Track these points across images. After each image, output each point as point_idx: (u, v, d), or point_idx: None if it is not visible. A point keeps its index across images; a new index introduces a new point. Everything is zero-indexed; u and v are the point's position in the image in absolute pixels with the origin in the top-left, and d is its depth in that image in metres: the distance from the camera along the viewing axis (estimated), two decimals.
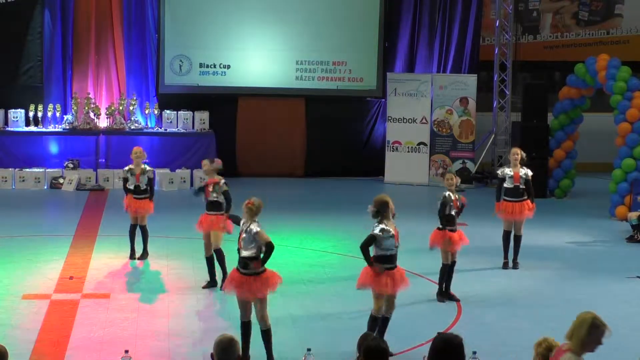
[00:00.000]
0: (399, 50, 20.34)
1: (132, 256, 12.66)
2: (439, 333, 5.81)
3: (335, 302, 11.03)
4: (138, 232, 12.63)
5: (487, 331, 9.78)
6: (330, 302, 11.05)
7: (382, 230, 9.02)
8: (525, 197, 12.52)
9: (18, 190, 17.93)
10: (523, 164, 12.66)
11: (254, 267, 8.66)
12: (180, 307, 10.56)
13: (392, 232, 9.09)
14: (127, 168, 12.66)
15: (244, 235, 8.69)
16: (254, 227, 8.64)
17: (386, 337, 6.14)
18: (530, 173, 12.58)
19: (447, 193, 11.21)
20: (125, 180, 12.62)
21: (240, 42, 19.59)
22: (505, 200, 12.61)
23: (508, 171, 12.65)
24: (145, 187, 12.55)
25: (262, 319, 8.77)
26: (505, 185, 12.64)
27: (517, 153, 12.70)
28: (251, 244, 8.64)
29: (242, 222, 8.83)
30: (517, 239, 12.70)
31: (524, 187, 12.52)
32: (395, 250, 9.16)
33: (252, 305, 8.79)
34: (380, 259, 9.07)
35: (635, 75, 16.86)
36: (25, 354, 8.91)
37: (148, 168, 12.70)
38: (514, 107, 20.12)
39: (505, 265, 12.68)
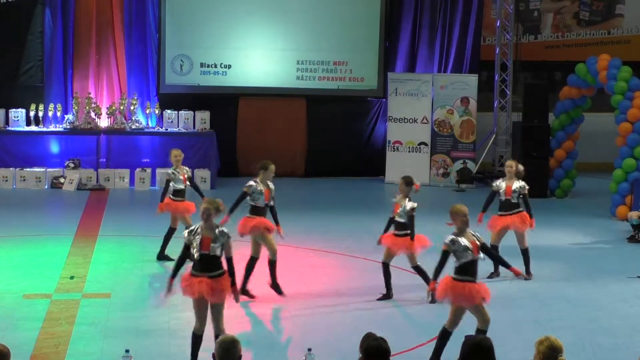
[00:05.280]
0: (400, 50, 20.33)
1: (161, 257, 12.65)
2: (466, 336, 5.82)
3: (335, 302, 11.03)
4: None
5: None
6: (331, 301, 11.05)
7: (451, 241, 8.71)
8: (520, 209, 12.04)
9: (19, 190, 17.93)
10: (519, 177, 12.20)
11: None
12: (181, 307, 10.54)
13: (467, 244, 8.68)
14: (171, 171, 12.67)
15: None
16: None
17: (386, 336, 6.13)
18: (526, 187, 12.06)
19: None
20: (168, 182, 12.60)
21: (241, 42, 19.59)
22: (499, 215, 12.14)
23: (502, 185, 12.18)
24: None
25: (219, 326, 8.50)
26: (499, 198, 12.20)
27: (512, 166, 12.20)
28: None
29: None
30: (524, 252, 12.18)
31: (516, 201, 12.04)
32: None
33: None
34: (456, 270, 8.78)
35: (636, 75, 16.84)
36: (26, 353, 8.92)
37: (188, 169, 12.90)
38: (514, 107, 20.12)
39: (491, 275, 12.10)
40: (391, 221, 11.01)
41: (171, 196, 12.69)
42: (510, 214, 12.06)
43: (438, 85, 19.65)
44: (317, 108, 20.21)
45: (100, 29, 19.35)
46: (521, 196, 12.10)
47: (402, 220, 10.90)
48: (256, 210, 11.03)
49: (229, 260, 8.52)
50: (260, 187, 11.01)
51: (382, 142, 20.24)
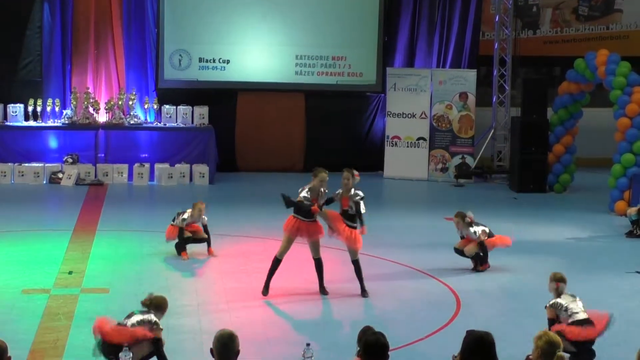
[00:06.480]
0: (399, 45, 20.32)
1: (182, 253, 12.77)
2: (468, 331, 5.83)
3: (334, 297, 11.04)
4: None
5: (486, 326, 9.75)
6: (329, 296, 11.06)
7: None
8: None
9: (17, 185, 17.92)
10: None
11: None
12: (179, 302, 10.55)
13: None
14: (184, 219, 12.69)
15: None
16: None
17: (385, 331, 6.16)
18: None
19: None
20: (182, 230, 12.64)
21: (239, 37, 19.57)
22: None
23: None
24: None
25: None
26: None
27: (457, 222, 12.24)
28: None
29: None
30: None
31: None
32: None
33: None
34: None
35: (634, 70, 16.84)
36: (25, 348, 8.92)
37: (204, 217, 12.88)
38: (513, 102, 20.10)
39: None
40: (344, 214, 11.13)
41: (172, 223, 12.88)
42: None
43: (437, 80, 19.64)
44: (315, 103, 20.19)
45: (98, 24, 19.31)
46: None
47: (352, 212, 11.08)
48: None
49: None
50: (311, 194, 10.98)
51: (380, 137, 20.23)
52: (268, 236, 13.75)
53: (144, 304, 8.45)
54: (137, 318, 8.30)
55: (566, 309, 8.87)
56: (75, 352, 8.99)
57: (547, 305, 9.03)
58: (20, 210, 15.63)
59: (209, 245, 12.88)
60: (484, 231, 12.18)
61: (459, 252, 12.31)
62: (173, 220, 12.79)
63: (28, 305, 10.41)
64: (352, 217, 11.10)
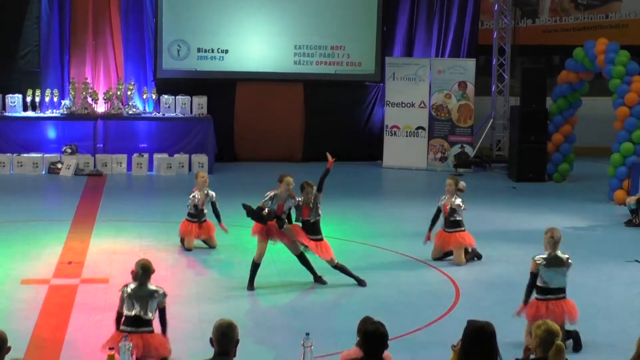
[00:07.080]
0: (398, 34, 20.29)
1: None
2: (469, 321, 5.83)
3: (333, 286, 11.04)
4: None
5: (485, 315, 9.75)
6: (329, 287, 11.06)
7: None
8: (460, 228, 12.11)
9: (16, 175, 17.92)
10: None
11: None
12: (178, 292, 10.56)
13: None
14: (193, 195, 12.58)
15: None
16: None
17: (384, 320, 6.17)
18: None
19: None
20: (195, 207, 12.54)
21: (238, 27, 19.54)
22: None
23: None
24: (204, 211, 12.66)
25: None
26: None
27: (450, 184, 12.27)
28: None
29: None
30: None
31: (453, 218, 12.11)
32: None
33: None
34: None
35: (633, 59, 16.83)
36: (24, 338, 8.93)
37: (211, 192, 12.73)
38: (512, 91, 20.08)
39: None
40: (305, 224, 11.04)
41: (187, 217, 12.64)
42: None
43: (436, 69, 19.62)
44: (314, 93, 20.17)
45: (97, 14, 19.28)
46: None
47: (314, 220, 11.01)
48: None
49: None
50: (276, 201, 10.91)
51: (379, 126, 20.22)
52: None
53: (135, 275, 8.32)
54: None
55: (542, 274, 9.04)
56: (74, 342, 9.00)
57: (534, 259, 9.14)
58: (19, 201, 15.63)
59: (219, 221, 12.65)
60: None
61: (439, 259, 12.24)
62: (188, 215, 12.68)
63: (27, 296, 10.42)
64: (314, 230, 11.00)
